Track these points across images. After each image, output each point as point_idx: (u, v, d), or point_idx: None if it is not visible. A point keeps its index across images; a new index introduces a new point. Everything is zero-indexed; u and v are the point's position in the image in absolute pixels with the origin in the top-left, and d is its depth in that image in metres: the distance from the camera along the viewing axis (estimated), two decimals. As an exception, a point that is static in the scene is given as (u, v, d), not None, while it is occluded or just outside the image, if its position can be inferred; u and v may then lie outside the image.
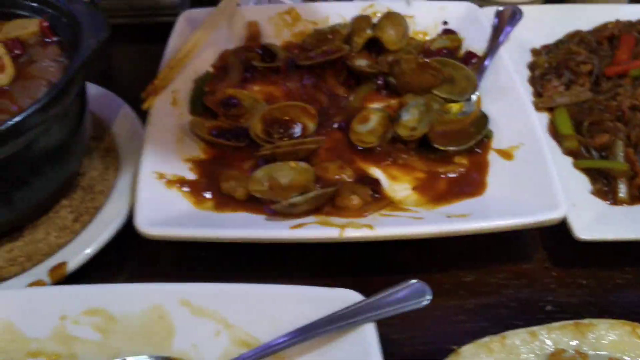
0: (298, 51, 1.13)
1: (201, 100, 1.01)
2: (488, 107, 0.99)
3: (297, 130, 0.95)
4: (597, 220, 0.83)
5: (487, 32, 1.12)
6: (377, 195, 0.86)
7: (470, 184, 0.89)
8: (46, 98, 0.71)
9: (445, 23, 1.16)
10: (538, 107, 1.01)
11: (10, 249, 0.81)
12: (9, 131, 0.68)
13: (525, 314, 0.79)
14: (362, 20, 1.12)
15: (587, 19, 1.18)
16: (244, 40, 1.14)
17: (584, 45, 1.11)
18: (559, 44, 1.15)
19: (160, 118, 0.95)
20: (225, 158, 0.94)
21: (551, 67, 1.08)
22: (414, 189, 0.89)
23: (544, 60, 1.11)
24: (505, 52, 1.06)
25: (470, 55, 1.07)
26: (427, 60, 0.98)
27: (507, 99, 0.98)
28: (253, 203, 0.86)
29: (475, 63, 1.05)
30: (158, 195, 0.85)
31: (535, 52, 1.15)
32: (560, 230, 0.81)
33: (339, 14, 1.17)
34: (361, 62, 1.07)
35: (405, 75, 0.99)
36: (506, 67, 1.03)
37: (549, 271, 0.85)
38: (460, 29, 1.15)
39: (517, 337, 0.69)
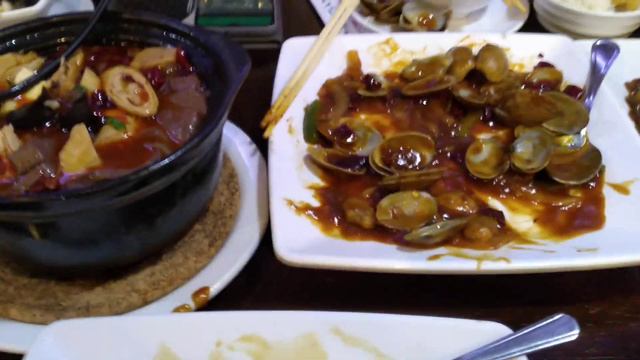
0: (399, 80, 1.16)
1: (315, 129, 1.04)
2: (595, 141, 1.01)
3: (416, 160, 0.97)
4: None
5: (583, 65, 1.14)
6: (502, 227, 0.88)
7: (589, 217, 0.91)
8: (210, 128, 0.74)
9: (540, 55, 1.19)
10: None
11: (151, 272, 0.84)
12: (179, 158, 0.71)
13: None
14: (463, 52, 1.15)
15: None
16: (346, 69, 1.17)
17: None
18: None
19: (280, 146, 0.98)
20: (342, 185, 0.96)
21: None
22: (535, 221, 0.91)
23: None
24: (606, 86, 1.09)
25: (573, 89, 1.09)
26: (542, 94, 1.00)
27: (615, 134, 1.00)
28: (379, 231, 0.88)
29: (580, 97, 1.08)
30: (290, 221, 0.87)
31: (629, 86, 1.17)
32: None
33: (436, 45, 1.20)
34: (464, 93, 1.10)
35: (519, 108, 1.01)
36: (610, 101, 1.05)
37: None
38: (555, 62, 1.17)
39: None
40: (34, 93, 0.85)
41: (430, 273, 0.82)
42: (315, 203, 0.92)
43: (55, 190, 0.70)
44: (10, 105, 0.83)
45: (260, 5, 1.37)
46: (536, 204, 0.93)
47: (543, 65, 1.17)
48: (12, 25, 0.92)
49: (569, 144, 1.01)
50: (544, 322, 0.73)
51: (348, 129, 1.02)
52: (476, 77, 1.14)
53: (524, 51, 1.19)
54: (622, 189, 0.94)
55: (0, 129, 0.78)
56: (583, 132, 1.02)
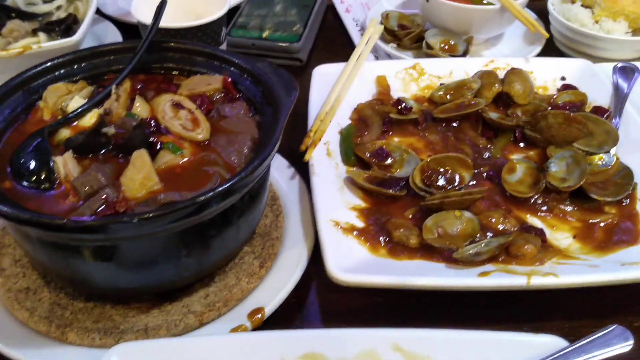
0: (427, 104, 1.19)
1: (352, 151, 1.06)
2: (623, 159, 1.04)
3: (455, 180, 1.00)
4: None
5: (605, 86, 1.18)
6: (544, 244, 0.90)
7: (626, 233, 0.94)
8: (269, 150, 0.76)
9: (563, 78, 1.22)
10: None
11: (205, 294, 0.85)
12: (242, 180, 0.73)
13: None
14: (489, 76, 1.19)
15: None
16: (376, 93, 1.21)
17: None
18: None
19: (321, 169, 1.00)
20: (383, 206, 0.98)
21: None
22: (575, 237, 0.93)
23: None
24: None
25: (600, 110, 1.13)
26: (573, 115, 1.03)
27: (644, 152, 1.04)
28: (425, 250, 0.90)
29: (607, 117, 1.11)
30: (338, 242, 0.89)
31: (649, 106, 1.21)
32: None
33: (462, 69, 1.24)
34: (494, 115, 1.13)
35: (551, 129, 1.04)
36: (636, 120, 1.09)
37: None
38: (577, 84, 1.21)
39: None
40: (87, 120, 0.87)
41: (483, 290, 0.84)
42: (359, 223, 0.94)
43: (124, 213, 0.71)
44: (65, 132, 0.85)
45: (292, 20, 1.45)
46: (573, 220, 0.96)
47: (566, 87, 1.21)
48: (61, 55, 0.94)
49: (600, 163, 1.04)
50: (599, 334, 0.75)
51: (386, 151, 1.05)
52: (502, 100, 1.18)
53: (547, 74, 1.24)
54: (655, 204, 0.97)
55: (60, 155, 0.80)
56: (613, 150, 1.05)
